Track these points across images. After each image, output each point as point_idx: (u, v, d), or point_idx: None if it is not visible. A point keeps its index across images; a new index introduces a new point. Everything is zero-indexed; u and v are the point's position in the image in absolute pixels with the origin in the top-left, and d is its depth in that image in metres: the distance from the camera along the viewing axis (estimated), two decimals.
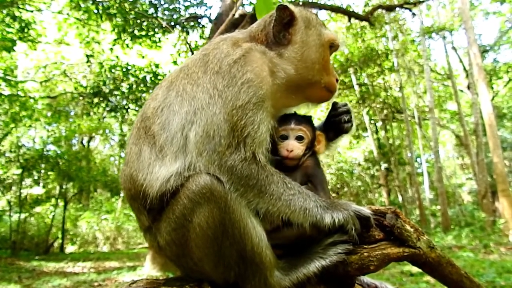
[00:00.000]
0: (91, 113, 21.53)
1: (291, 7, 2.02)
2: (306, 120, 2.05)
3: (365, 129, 31.70)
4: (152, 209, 1.76)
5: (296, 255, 1.75)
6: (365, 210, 1.70)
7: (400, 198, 30.99)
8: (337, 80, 2.15)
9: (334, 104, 2.23)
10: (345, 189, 31.22)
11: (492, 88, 31.32)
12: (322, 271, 1.67)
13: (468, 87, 27.52)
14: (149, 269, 11.31)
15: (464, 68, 30.11)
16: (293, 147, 1.93)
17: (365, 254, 1.67)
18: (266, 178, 1.67)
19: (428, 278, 8.28)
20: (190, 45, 15.60)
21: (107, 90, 17.08)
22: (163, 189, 1.69)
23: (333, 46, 2.15)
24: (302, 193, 1.69)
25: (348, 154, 32.19)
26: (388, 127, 32.56)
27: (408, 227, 1.71)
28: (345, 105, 2.22)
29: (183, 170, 1.70)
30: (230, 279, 1.68)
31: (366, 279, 2.06)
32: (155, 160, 1.77)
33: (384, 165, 29.99)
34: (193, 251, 1.68)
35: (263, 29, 2.07)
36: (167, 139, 1.77)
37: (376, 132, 32.91)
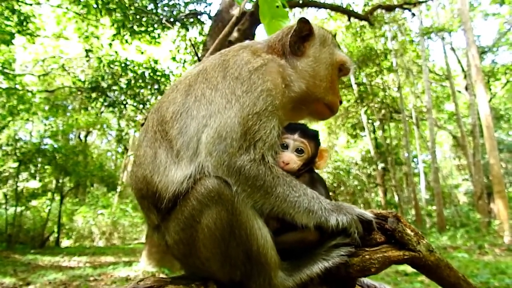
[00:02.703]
0: (89, 108, 21.52)
1: (312, 23, 2.13)
2: (312, 134, 2.03)
3: (362, 129, 31.83)
4: (163, 208, 1.80)
5: (300, 256, 1.79)
6: (368, 214, 1.74)
7: (396, 198, 31.16)
8: (340, 102, 2.24)
9: None
10: (342, 188, 31.34)
11: (490, 89, 31.41)
12: (325, 273, 1.71)
13: (466, 88, 27.57)
14: (144, 265, 11.29)
15: (463, 69, 30.17)
16: (290, 160, 1.91)
17: (367, 256, 1.71)
18: (273, 180, 1.71)
19: (422, 278, 8.34)
20: (191, 41, 15.54)
21: (105, 85, 17.03)
22: (177, 192, 1.74)
23: (343, 69, 2.24)
24: (307, 195, 1.73)
25: (345, 153, 32.30)
26: (385, 127, 32.66)
27: (408, 231, 1.76)
28: None
29: (194, 172, 1.74)
30: (235, 278, 1.73)
31: (366, 280, 2.11)
32: (171, 164, 1.81)
33: (381, 165, 30.14)
34: (201, 251, 1.72)
35: (280, 39, 2.15)
36: (184, 143, 1.82)
37: (374, 131, 33.01)
